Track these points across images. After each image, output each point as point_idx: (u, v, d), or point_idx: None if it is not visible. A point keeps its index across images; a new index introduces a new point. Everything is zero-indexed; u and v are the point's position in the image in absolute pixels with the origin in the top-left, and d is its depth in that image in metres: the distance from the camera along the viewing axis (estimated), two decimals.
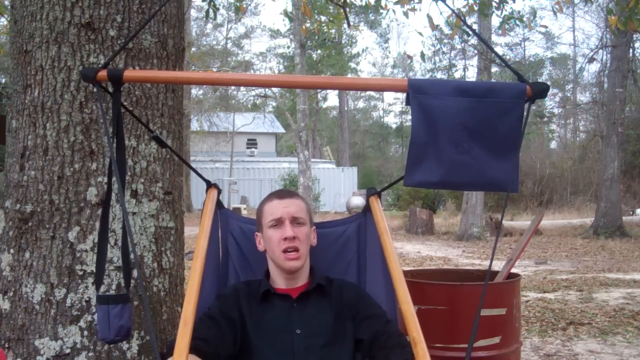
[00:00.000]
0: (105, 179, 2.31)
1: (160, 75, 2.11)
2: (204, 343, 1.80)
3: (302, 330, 1.93)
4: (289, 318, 1.96)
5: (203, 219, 2.10)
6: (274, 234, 2.00)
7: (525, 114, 1.67)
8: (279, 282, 2.04)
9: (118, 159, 1.82)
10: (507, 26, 7.07)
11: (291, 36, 23.14)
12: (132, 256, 1.83)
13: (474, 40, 14.64)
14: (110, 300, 1.82)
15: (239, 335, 1.92)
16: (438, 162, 1.67)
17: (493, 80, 14.84)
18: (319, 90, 32.44)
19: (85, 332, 2.25)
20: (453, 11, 2.18)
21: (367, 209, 2.33)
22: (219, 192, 2.28)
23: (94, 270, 2.27)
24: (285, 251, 1.97)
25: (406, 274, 3.26)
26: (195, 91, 26.29)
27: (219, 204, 2.29)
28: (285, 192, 2.11)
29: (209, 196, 2.23)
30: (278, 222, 2.01)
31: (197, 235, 2.06)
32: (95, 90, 1.95)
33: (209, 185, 2.27)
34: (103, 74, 1.75)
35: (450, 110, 1.65)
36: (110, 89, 1.83)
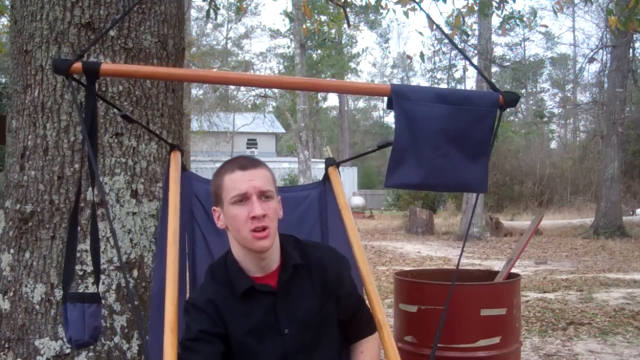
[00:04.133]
0: (106, 179, 2.31)
1: (140, 70, 1.97)
2: None
3: (289, 329, 1.81)
4: (275, 316, 1.81)
5: (171, 191, 1.98)
6: (239, 211, 1.74)
7: (496, 121, 1.80)
8: (250, 267, 1.81)
9: (89, 158, 1.74)
10: (507, 26, 7.07)
11: (291, 36, 23.13)
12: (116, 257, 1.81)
13: (473, 40, 14.65)
14: (86, 298, 1.69)
15: (227, 345, 1.80)
16: (418, 165, 1.80)
17: (493, 80, 14.84)
18: None
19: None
20: (439, 27, 2.20)
21: (326, 178, 2.36)
22: (182, 153, 2.25)
23: (91, 269, 2.28)
24: (254, 230, 1.73)
25: (406, 273, 3.26)
26: (195, 91, 26.27)
27: (182, 167, 2.21)
28: (248, 161, 1.80)
29: (173, 160, 2.14)
30: (243, 198, 1.74)
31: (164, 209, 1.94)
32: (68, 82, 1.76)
33: (172, 147, 2.22)
34: (78, 66, 1.67)
35: (431, 116, 1.78)
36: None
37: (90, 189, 2.30)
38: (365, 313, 1.97)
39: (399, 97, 1.78)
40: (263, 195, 1.76)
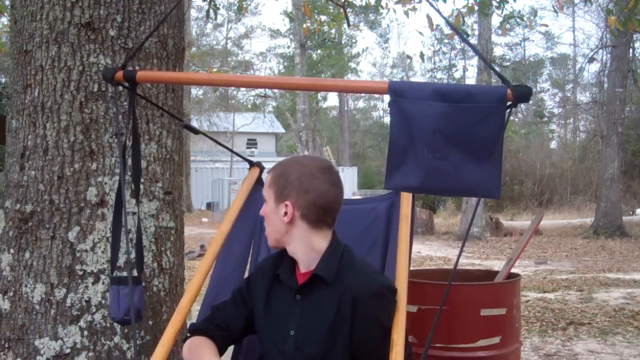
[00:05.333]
0: (106, 179, 2.31)
1: (169, 76, 2.22)
2: (215, 329, 1.87)
3: (296, 331, 1.80)
4: (288, 312, 1.82)
5: (235, 200, 2.17)
6: None
7: (506, 118, 1.60)
8: (300, 262, 1.88)
9: (133, 159, 1.97)
10: (507, 26, 7.07)
11: (291, 36, 23.14)
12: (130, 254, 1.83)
13: (473, 40, 14.65)
14: (121, 281, 1.91)
15: (252, 318, 1.90)
16: (416, 166, 1.65)
17: (493, 80, 14.79)
18: None
19: (85, 332, 2.25)
20: (446, 20, 2.17)
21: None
22: (262, 170, 2.34)
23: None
24: None
25: None
26: (195, 91, 26.27)
27: (259, 181, 2.33)
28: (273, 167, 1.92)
29: (249, 175, 2.32)
30: None
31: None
32: (112, 90, 2.12)
33: (251, 164, 2.36)
34: (120, 74, 1.89)
35: (426, 115, 1.62)
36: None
37: (90, 189, 2.30)
38: None
39: (396, 95, 1.67)
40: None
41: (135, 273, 2.00)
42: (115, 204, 1.96)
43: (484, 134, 1.60)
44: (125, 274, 2.23)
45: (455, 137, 1.61)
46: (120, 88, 1.94)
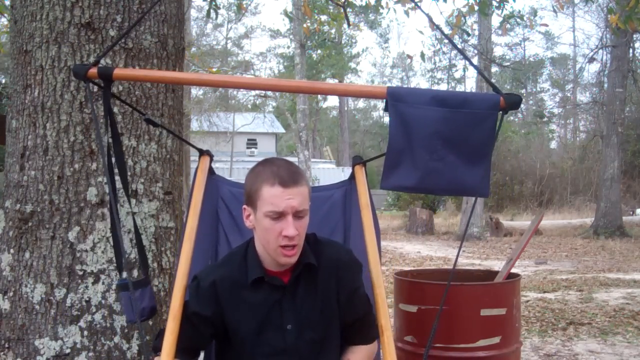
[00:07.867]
0: (106, 179, 2.31)
1: (150, 75, 2.09)
2: (188, 355, 1.84)
3: (292, 325, 1.83)
4: (280, 310, 1.83)
5: (195, 192, 2.09)
6: (272, 226, 1.75)
7: (498, 124, 1.75)
8: (268, 261, 1.84)
9: (116, 156, 1.89)
10: (507, 26, 7.06)
11: (291, 36, 23.13)
12: (131, 254, 1.82)
13: (473, 40, 14.65)
14: (130, 286, 1.93)
15: (221, 328, 1.85)
16: (413, 167, 1.78)
17: (493, 80, 14.79)
18: None
19: (85, 332, 2.25)
20: (439, 28, 2.18)
21: (352, 177, 2.36)
22: (211, 158, 2.29)
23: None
24: (283, 247, 1.75)
25: (406, 273, 3.26)
26: (195, 91, 26.22)
27: (210, 171, 2.30)
28: (289, 177, 1.76)
29: (201, 165, 2.22)
30: (279, 216, 1.74)
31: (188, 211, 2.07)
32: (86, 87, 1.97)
33: (201, 153, 2.28)
34: (94, 71, 1.80)
35: (425, 119, 1.75)
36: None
37: (90, 189, 2.30)
38: (366, 322, 1.93)
39: (395, 100, 1.77)
40: (298, 215, 1.76)
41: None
42: (110, 206, 1.93)
43: (477, 138, 1.75)
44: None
45: (453, 140, 1.75)
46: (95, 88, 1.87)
